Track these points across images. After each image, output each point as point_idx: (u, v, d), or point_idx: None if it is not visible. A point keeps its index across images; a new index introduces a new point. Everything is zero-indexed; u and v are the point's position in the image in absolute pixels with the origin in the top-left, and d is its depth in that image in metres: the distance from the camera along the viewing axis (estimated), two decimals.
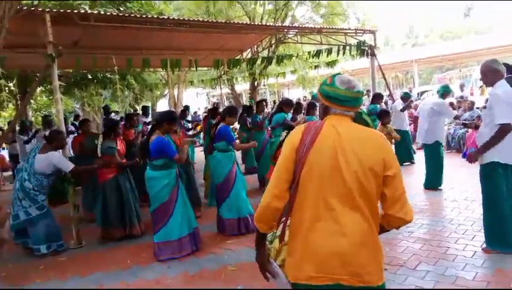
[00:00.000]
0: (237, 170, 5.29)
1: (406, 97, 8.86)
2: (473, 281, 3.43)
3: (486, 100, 4.07)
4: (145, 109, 11.26)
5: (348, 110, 1.86)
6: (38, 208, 4.90)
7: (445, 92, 6.68)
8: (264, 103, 8.91)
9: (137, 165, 5.47)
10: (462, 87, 14.70)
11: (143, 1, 10.76)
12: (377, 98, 8.88)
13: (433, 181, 6.59)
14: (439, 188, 6.54)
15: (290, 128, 4.69)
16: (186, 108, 12.04)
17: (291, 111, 8.33)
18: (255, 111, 8.61)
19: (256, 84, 15.05)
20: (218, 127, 5.33)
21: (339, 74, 1.93)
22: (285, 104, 7.49)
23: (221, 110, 7.61)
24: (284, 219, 1.91)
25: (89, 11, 6.08)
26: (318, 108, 2.00)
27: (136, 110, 16.37)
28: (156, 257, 4.55)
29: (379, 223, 1.83)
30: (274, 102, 18.46)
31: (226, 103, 23.37)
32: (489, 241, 3.97)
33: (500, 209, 3.85)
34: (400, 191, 1.77)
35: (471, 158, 4.06)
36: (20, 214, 4.86)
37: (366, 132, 1.84)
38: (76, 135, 7.40)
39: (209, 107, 19.63)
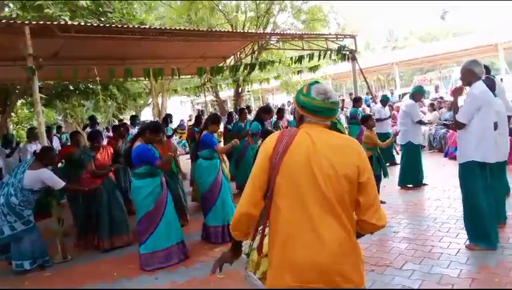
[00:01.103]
0: (223, 177, 5.28)
1: (384, 100, 9.02)
2: (458, 278, 3.49)
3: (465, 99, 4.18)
4: (133, 119, 11.16)
5: (323, 120, 1.86)
6: (24, 223, 4.80)
7: (416, 92, 6.79)
8: (247, 111, 8.90)
9: (106, 174, 5.53)
10: (436, 88, 15.03)
11: (124, 11, 10.72)
12: (357, 101, 9.01)
13: (403, 179, 6.81)
14: (418, 185, 6.72)
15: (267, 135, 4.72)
16: (168, 116, 12.00)
17: (276, 117, 8.39)
18: (236, 119, 8.61)
19: (240, 90, 15.09)
20: (202, 135, 5.34)
21: (316, 82, 1.92)
22: (264, 112, 7.45)
23: (205, 117, 7.61)
24: (260, 230, 1.91)
25: (69, 22, 6.02)
26: (295, 115, 2.00)
27: (122, 120, 16.25)
28: (142, 269, 4.51)
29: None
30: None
31: (211, 110, 23.35)
32: (473, 238, 4.05)
33: (480, 207, 3.94)
34: (373, 197, 1.78)
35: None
36: (5, 229, 4.74)
37: (341, 138, 1.84)
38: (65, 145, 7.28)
39: (194, 114, 19.63)
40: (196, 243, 5.25)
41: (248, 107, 14.04)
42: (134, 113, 21.65)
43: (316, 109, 1.83)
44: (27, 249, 4.81)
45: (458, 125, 3.97)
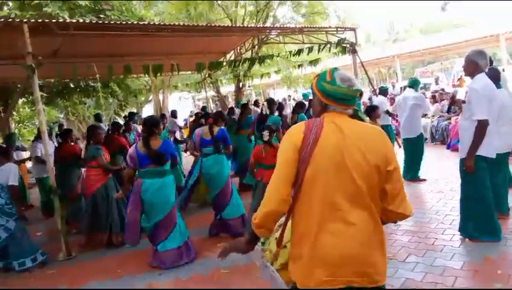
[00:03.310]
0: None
1: (383, 90, 9.06)
2: (461, 270, 3.49)
3: (467, 92, 4.09)
4: (131, 115, 11.11)
5: (346, 108, 1.82)
6: (15, 220, 4.85)
7: (412, 84, 6.85)
8: (251, 106, 8.91)
9: (120, 170, 5.62)
10: (437, 80, 14.96)
11: (123, 8, 10.67)
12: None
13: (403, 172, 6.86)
14: (411, 179, 6.69)
15: (271, 129, 4.72)
16: (172, 112, 12.04)
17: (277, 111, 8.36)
18: (239, 114, 8.60)
19: (241, 85, 15.06)
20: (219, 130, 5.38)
21: (336, 68, 1.85)
22: (269, 104, 7.36)
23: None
24: (281, 222, 1.86)
25: (68, 20, 6.00)
26: (314, 104, 1.92)
27: (126, 116, 16.24)
28: (156, 266, 4.45)
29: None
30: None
31: (213, 106, 23.34)
32: (475, 232, 3.98)
33: (487, 201, 3.89)
34: (400, 186, 1.75)
35: (469, 168, 3.85)
36: (0, 233, 4.76)
37: (368, 128, 1.81)
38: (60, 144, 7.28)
39: (195, 110, 19.62)
40: (200, 238, 5.25)
41: (256, 102, 14.08)
42: (135, 110, 21.71)
43: (342, 97, 1.77)
44: (25, 244, 4.87)
45: (483, 126, 3.68)
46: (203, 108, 13.21)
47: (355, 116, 1.89)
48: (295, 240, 1.77)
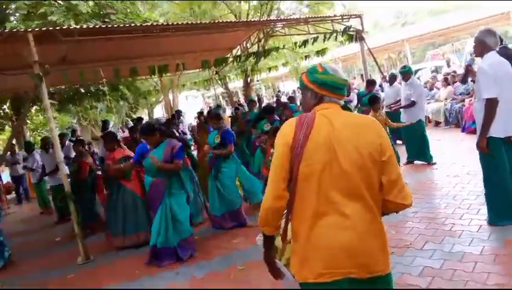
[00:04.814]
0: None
1: (392, 77, 8.88)
2: (481, 255, 3.41)
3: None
4: (138, 120, 11.04)
5: (339, 98, 1.84)
6: None
7: (401, 73, 7.07)
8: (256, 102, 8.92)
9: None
10: (448, 63, 14.67)
11: (128, 10, 10.71)
12: (369, 85, 8.64)
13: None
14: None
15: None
16: (177, 112, 12.05)
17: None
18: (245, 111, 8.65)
19: (249, 80, 15.01)
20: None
21: (321, 63, 1.91)
22: (266, 112, 7.22)
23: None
24: (284, 217, 1.87)
25: (72, 26, 6.05)
26: (305, 99, 1.91)
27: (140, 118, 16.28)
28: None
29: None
30: (277, 96, 18.41)
31: (223, 102, 23.37)
32: (495, 217, 3.88)
33: (505, 183, 3.78)
34: (395, 175, 1.73)
35: (482, 149, 3.77)
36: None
37: (360, 118, 1.81)
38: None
39: (205, 108, 19.66)
40: (214, 236, 5.27)
41: (258, 99, 14.01)
42: (146, 111, 21.89)
43: (336, 85, 1.82)
44: None
45: (492, 104, 3.59)
46: (217, 106, 13.12)
47: (345, 107, 1.91)
48: (293, 234, 1.80)
